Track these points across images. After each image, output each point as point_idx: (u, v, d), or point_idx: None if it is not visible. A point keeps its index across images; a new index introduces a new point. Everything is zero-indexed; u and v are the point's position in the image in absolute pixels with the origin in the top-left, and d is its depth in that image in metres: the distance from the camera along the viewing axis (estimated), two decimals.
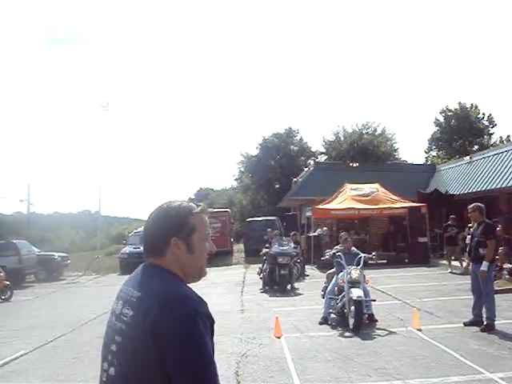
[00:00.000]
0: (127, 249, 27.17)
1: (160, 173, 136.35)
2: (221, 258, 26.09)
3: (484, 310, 9.72)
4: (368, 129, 52.38)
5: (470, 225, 10.67)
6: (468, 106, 53.11)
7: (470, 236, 10.33)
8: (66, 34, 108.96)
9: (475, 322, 9.72)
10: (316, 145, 68.92)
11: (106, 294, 15.51)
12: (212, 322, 1.94)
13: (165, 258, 2.06)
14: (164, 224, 2.08)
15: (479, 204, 10.24)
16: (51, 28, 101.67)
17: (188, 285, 2.07)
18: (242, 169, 57.98)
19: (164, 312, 1.85)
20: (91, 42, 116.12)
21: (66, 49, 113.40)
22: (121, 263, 26.39)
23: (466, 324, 9.79)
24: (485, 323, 9.54)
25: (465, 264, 11.03)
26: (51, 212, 51.06)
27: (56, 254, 26.04)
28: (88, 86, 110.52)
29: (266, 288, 16.30)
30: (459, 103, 53.33)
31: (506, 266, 15.81)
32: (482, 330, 9.34)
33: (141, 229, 30.41)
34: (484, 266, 9.57)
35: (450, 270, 18.79)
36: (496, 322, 9.72)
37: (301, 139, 56.22)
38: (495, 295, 12.60)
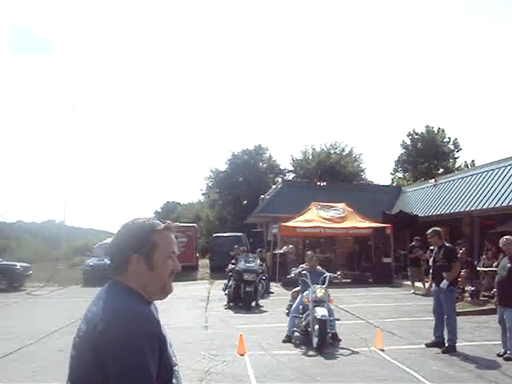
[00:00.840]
0: (91, 261, 26.77)
1: (127, 184, 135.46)
2: (186, 273, 25.89)
3: (446, 331, 9.86)
4: (336, 148, 52.95)
5: (431, 247, 10.86)
6: (435, 129, 54.14)
7: (432, 259, 10.49)
8: (34, 39, 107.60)
9: (437, 343, 9.87)
10: (284, 163, 69.26)
11: (68, 307, 15.32)
12: (161, 343, 1.93)
13: (126, 275, 2.06)
14: (125, 240, 2.09)
15: (437, 229, 10.45)
16: (17, 33, 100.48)
17: (150, 301, 2.09)
18: (210, 184, 58.02)
19: (109, 330, 1.85)
20: (60, 49, 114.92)
21: (32, 55, 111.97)
22: (84, 275, 25.97)
23: (427, 345, 9.93)
24: (446, 345, 9.69)
25: (427, 285, 11.17)
26: (14, 221, 50.08)
27: (18, 263, 25.52)
28: (55, 94, 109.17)
29: (231, 304, 16.25)
30: (426, 126, 54.37)
31: (468, 288, 16.08)
32: (444, 352, 9.48)
33: (106, 241, 30.14)
34: (443, 284, 9.77)
35: (412, 291, 19.02)
36: (457, 344, 9.87)
37: (270, 156, 56.58)
38: (457, 317, 12.83)
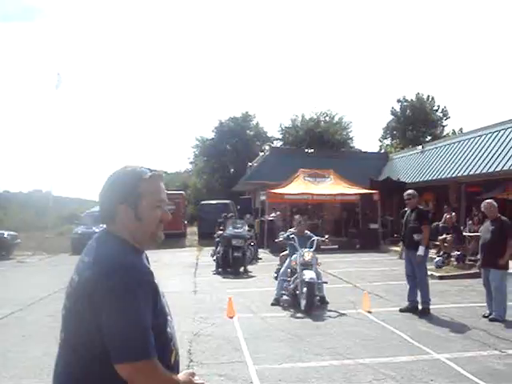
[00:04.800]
0: (79, 229, 26.67)
1: (113, 154, 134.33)
2: (174, 240, 25.93)
3: (419, 294, 9.95)
4: (326, 117, 52.74)
5: (404, 210, 10.86)
6: (425, 97, 54.12)
7: (403, 222, 10.46)
8: (19, 8, 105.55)
9: (411, 308, 9.91)
10: (272, 130, 69.12)
11: (57, 274, 15.29)
12: (154, 291, 1.95)
13: (115, 225, 2.08)
14: (112, 190, 2.09)
15: (414, 192, 10.48)
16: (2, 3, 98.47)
17: (141, 250, 2.10)
18: (197, 152, 57.76)
19: (101, 281, 1.86)
20: (46, 18, 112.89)
21: (19, 25, 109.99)
22: (72, 243, 25.85)
23: (401, 310, 9.92)
24: (420, 307, 9.80)
25: (399, 249, 11.24)
26: (1, 191, 49.67)
27: (6, 232, 25.41)
28: (43, 63, 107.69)
29: (220, 270, 16.36)
30: (416, 94, 54.34)
31: (454, 253, 16.28)
32: (420, 315, 9.57)
33: (94, 209, 30.00)
34: (420, 250, 9.79)
35: (399, 257, 19.17)
36: (443, 306, 10.05)
37: (257, 124, 56.30)
38: (444, 281, 13.04)
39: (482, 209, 9.71)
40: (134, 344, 1.83)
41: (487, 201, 9.72)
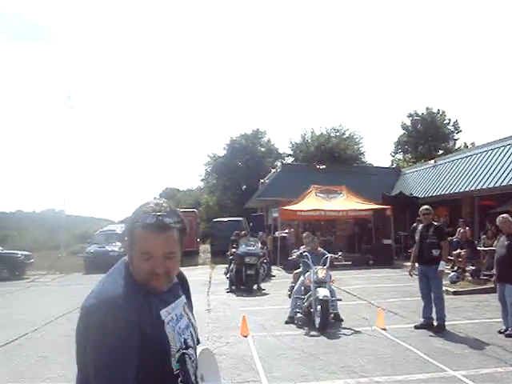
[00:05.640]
0: (92, 247, 26.78)
1: (126, 172, 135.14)
2: (187, 258, 25.95)
3: (434, 310, 9.85)
4: (337, 132, 52.76)
5: (414, 225, 10.78)
6: (435, 111, 54.07)
7: (418, 237, 10.32)
8: (31, 28, 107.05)
9: (426, 324, 9.83)
10: (283, 147, 69.11)
11: (70, 294, 15.35)
12: (141, 328, 1.85)
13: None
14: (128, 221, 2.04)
15: (430, 207, 10.44)
16: (15, 22, 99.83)
17: (147, 288, 1.96)
18: (209, 169, 57.98)
19: (85, 314, 1.87)
20: (57, 39, 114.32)
21: (31, 45, 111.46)
22: (85, 262, 25.98)
23: (416, 327, 9.84)
24: (436, 324, 9.72)
25: (409, 264, 11.13)
26: (14, 210, 50.13)
27: (19, 252, 25.55)
28: (55, 82, 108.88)
29: (233, 288, 16.32)
30: (427, 108, 54.30)
31: (469, 268, 16.16)
32: (435, 332, 9.48)
33: (106, 228, 30.12)
34: (441, 265, 9.73)
35: (409, 273, 19.02)
36: (458, 322, 9.96)
37: (268, 141, 56.52)
38: (459, 296, 12.91)
39: (497, 223, 9.63)
40: None
41: (502, 215, 9.63)
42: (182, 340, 2.04)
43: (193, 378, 2.08)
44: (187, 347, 2.05)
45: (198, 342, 2.24)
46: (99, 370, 1.79)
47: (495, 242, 17.13)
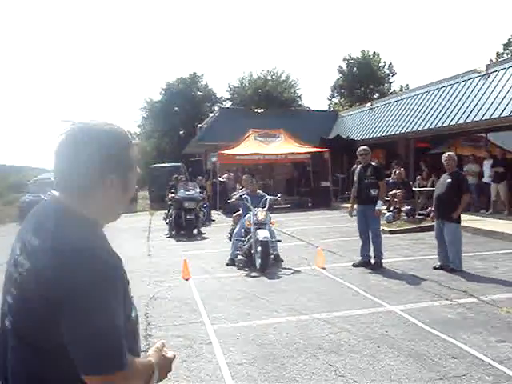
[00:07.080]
0: (27, 197, 26.02)
1: (58, 115, 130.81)
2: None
3: (372, 248, 10.12)
4: (273, 75, 52.51)
5: (354, 167, 10.94)
6: (370, 54, 54.36)
7: (356, 178, 10.48)
8: None
9: (364, 262, 10.09)
10: (221, 91, 68.47)
11: (4, 245, 14.91)
12: (126, 282, 1.70)
13: (86, 199, 1.70)
14: (97, 160, 1.67)
15: (368, 148, 10.54)
16: None
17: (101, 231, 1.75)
18: (145, 115, 56.89)
19: (62, 277, 1.51)
20: None
21: None
22: (20, 212, 25.29)
23: (355, 265, 10.10)
24: (373, 261, 9.99)
25: (349, 205, 11.31)
26: None
27: None
28: None
29: (173, 233, 16.25)
30: (362, 51, 54.50)
31: (404, 207, 16.59)
32: (373, 269, 9.74)
33: (41, 176, 29.26)
34: (379, 204, 9.93)
35: (348, 213, 19.41)
36: (395, 260, 10.25)
37: (206, 85, 55.64)
38: (395, 235, 13.27)
39: (442, 160, 9.68)
40: (105, 356, 1.51)
41: (448, 153, 9.76)
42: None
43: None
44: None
45: None
46: (97, 339, 1.50)
47: (429, 183, 17.70)
